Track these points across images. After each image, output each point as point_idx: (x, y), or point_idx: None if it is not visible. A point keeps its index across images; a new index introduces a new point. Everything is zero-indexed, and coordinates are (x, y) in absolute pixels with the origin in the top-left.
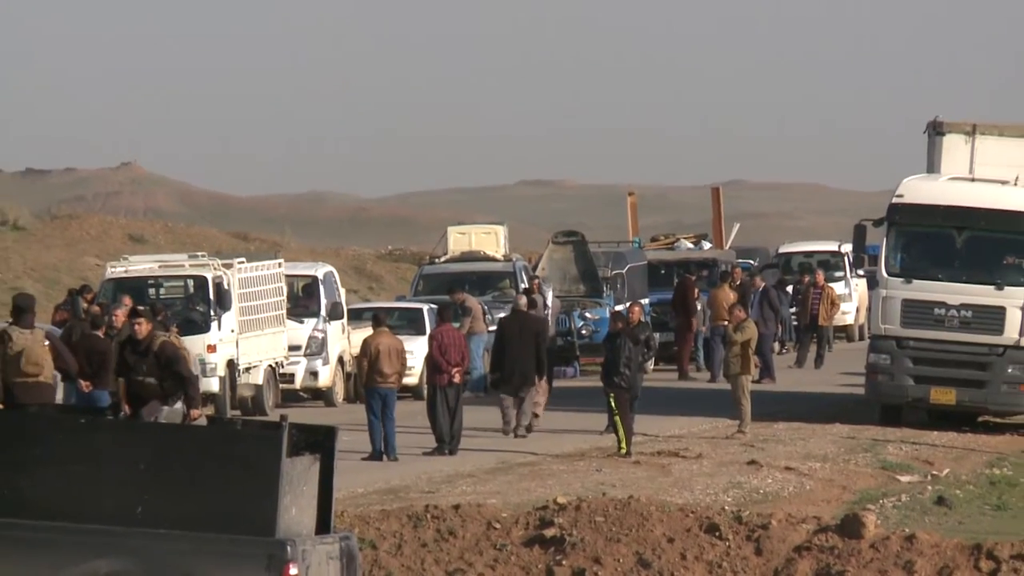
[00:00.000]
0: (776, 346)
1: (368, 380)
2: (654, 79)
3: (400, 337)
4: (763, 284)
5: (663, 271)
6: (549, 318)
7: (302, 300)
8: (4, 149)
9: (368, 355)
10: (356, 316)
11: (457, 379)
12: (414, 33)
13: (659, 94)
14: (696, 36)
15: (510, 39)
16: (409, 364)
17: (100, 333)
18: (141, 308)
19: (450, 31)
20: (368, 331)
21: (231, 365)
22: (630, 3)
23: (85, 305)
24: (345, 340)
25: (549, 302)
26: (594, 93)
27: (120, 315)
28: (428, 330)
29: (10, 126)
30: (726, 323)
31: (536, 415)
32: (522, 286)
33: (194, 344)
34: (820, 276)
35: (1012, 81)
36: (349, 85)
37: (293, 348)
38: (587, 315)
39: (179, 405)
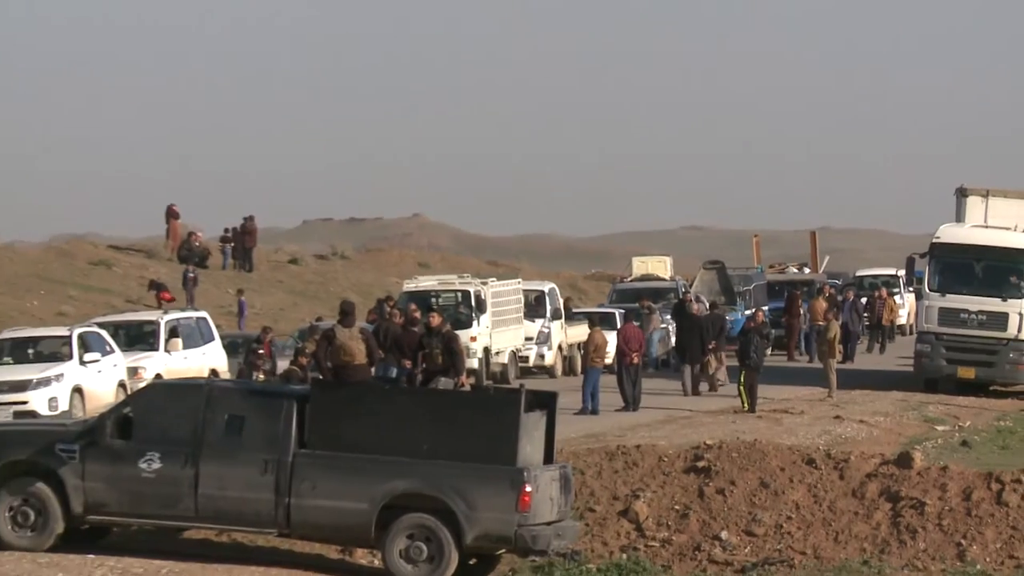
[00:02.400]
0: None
1: (588, 361)
2: (771, 149)
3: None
4: (853, 296)
5: (777, 288)
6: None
7: (534, 306)
8: (336, 203)
9: (592, 344)
10: (570, 317)
11: (636, 360)
12: (616, 105)
13: (774, 162)
14: (797, 117)
15: (667, 113)
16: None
17: (415, 329)
18: (436, 309)
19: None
20: (577, 328)
21: (486, 350)
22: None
23: (388, 309)
24: (563, 333)
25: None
26: (734, 160)
27: (412, 314)
28: (618, 326)
29: (343, 188)
30: (820, 323)
31: (719, 381)
32: (687, 296)
33: (462, 336)
34: (883, 291)
35: None
36: (567, 152)
37: (528, 339)
38: (727, 317)
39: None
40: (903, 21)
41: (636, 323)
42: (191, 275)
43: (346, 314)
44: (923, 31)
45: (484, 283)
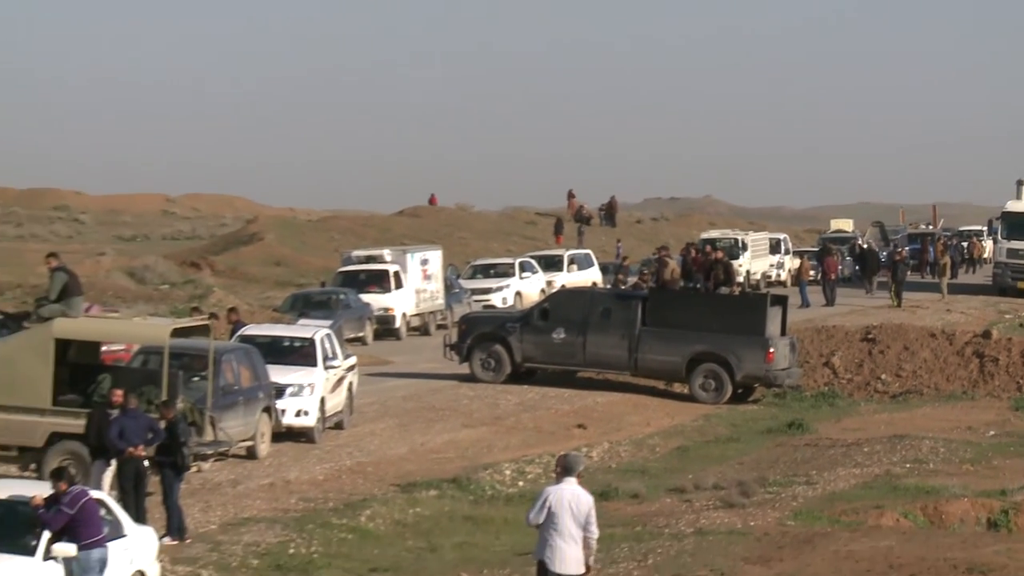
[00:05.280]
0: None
1: (803, 276)
2: (909, 147)
3: (812, 262)
4: (957, 241)
5: (914, 237)
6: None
7: (775, 247)
8: (662, 187)
9: (803, 268)
10: (797, 255)
11: (832, 276)
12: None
13: (913, 157)
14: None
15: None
16: (811, 271)
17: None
18: (719, 248)
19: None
20: (797, 260)
21: (747, 272)
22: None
23: (691, 250)
24: (791, 261)
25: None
26: (887, 157)
27: (706, 252)
28: (824, 258)
29: (667, 177)
30: (939, 257)
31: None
32: (859, 242)
33: (734, 264)
34: (975, 239)
35: None
36: (797, 146)
37: (770, 265)
38: (883, 255)
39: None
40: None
41: (832, 256)
42: (582, 230)
43: (668, 251)
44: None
45: (746, 234)
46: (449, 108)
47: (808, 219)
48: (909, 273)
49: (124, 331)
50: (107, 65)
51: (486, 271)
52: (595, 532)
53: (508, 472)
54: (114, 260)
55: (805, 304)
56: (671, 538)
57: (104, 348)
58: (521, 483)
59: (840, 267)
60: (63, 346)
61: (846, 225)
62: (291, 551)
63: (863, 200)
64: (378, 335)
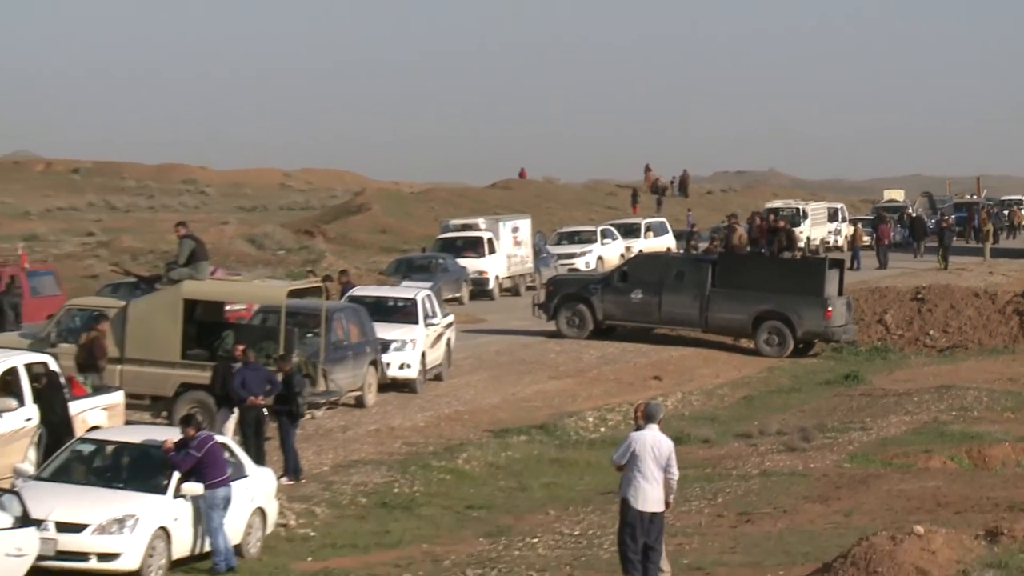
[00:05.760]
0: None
1: (854, 242)
2: (958, 127)
3: (867, 229)
4: (999, 209)
5: (959, 206)
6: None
7: (832, 215)
8: (730, 162)
9: (857, 235)
10: (852, 223)
11: (885, 242)
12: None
13: (961, 134)
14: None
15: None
16: (865, 236)
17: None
18: (782, 217)
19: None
20: (852, 227)
21: (808, 239)
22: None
23: (757, 219)
24: (850, 228)
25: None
26: (938, 134)
27: (771, 220)
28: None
29: (736, 153)
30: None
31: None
32: (908, 211)
33: (795, 231)
34: (1015, 208)
35: None
36: (858, 125)
37: (828, 232)
38: (931, 223)
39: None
40: None
41: (885, 224)
42: (661, 201)
43: (737, 219)
44: None
45: (807, 203)
46: (538, 90)
47: (864, 190)
48: (955, 239)
49: (245, 292)
50: (229, 55)
51: (571, 238)
52: (676, 473)
53: (591, 419)
54: (236, 228)
55: (858, 267)
56: (738, 479)
57: (227, 307)
58: (603, 429)
59: (892, 234)
60: (191, 306)
61: (898, 195)
62: (395, 490)
63: (914, 172)
64: (473, 296)
